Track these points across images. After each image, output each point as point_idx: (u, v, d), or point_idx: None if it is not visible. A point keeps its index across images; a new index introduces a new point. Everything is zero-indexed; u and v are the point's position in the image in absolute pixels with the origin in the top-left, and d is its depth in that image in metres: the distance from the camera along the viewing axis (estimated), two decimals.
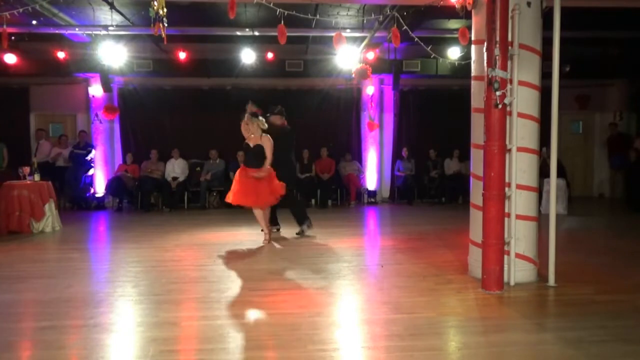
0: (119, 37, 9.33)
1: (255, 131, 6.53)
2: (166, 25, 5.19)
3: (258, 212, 6.61)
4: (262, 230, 6.78)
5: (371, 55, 9.44)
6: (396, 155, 11.70)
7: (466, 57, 6.12)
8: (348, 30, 8.92)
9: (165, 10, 5.11)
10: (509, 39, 4.30)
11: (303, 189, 10.88)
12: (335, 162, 11.25)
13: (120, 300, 4.20)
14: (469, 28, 5.24)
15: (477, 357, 3.06)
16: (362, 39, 9.15)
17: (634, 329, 3.52)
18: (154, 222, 8.83)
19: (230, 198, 6.55)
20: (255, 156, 6.47)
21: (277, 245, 6.50)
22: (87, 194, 10.80)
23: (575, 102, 12.09)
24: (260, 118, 6.60)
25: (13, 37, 8.58)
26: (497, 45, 4.14)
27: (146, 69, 10.67)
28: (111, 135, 11.31)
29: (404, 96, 11.73)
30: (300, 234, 7.12)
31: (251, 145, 6.52)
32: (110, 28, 8.54)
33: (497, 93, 4.13)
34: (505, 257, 4.42)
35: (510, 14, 4.29)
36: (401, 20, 6.33)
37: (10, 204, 7.51)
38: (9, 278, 4.96)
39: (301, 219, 7.16)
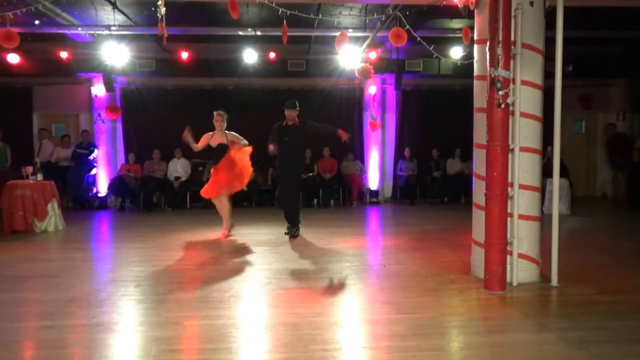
0: (121, 37, 9.33)
1: (220, 129, 7.06)
2: (164, 25, 5.19)
3: (225, 205, 7.01)
4: (231, 227, 7.17)
5: (373, 55, 9.43)
6: (398, 155, 11.68)
7: (468, 56, 6.10)
8: (350, 30, 8.90)
9: (164, 10, 5.11)
10: (512, 38, 4.30)
11: (305, 188, 10.91)
12: (337, 162, 11.24)
13: (123, 300, 4.21)
14: (472, 28, 5.23)
15: (479, 357, 3.06)
16: (364, 38, 9.13)
17: (636, 329, 3.51)
18: (157, 221, 8.84)
19: (206, 193, 7.06)
20: (221, 153, 6.96)
21: (279, 245, 6.50)
22: (90, 194, 10.82)
23: (578, 101, 12.04)
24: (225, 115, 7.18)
25: None
26: (500, 45, 4.13)
27: (148, 68, 10.67)
28: (114, 135, 11.32)
29: (406, 96, 11.72)
30: (289, 234, 7.03)
31: (214, 145, 6.98)
32: (113, 28, 8.55)
33: (500, 93, 4.12)
34: (508, 257, 4.41)
35: (513, 14, 4.28)
36: (403, 19, 6.33)
37: (13, 204, 7.53)
38: (11, 277, 4.97)
39: (294, 222, 7.08)
